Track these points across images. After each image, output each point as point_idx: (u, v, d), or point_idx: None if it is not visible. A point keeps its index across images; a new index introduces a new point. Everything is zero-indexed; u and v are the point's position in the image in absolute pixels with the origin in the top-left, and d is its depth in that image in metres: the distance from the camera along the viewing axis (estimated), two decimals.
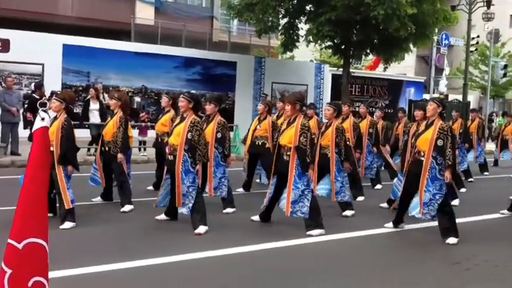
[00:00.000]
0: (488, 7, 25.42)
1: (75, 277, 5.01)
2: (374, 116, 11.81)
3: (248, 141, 9.75)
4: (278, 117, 10.21)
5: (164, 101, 9.46)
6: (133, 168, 8.85)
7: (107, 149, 8.09)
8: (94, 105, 14.02)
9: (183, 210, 6.85)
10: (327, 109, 8.33)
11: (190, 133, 6.77)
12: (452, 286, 5.28)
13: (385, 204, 8.85)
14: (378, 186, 10.83)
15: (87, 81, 18.47)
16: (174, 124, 7.18)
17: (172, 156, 6.89)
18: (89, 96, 14.41)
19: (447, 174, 6.70)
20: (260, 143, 9.48)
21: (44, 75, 17.57)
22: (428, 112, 6.97)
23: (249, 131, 9.91)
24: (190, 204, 6.77)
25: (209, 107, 8.18)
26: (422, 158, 6.82)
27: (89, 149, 13.85)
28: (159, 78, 19.86)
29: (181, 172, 6.74)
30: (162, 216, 7.35)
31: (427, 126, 6.93)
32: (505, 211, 8.82)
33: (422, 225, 7.43)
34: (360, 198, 9.56)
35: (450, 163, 6.68)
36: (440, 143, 6.72)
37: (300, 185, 6.82)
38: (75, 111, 15.91)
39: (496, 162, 15.77)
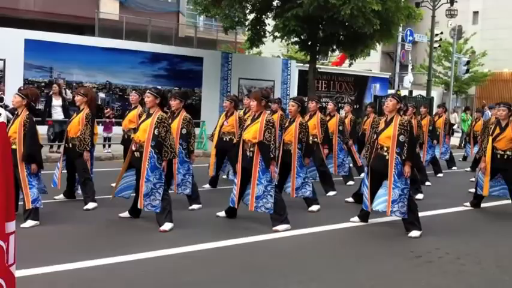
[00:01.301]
0: (452, 4, 25.88)
1: (38, 276, 4.91)
2: (343, 111, 11.87)
3: (215, 137, 9.71)
4: (245, 113, 10.18)
5: (133, 97, 9.33)
6: (97, 165, 8.73)
7: (70, 146, 7.94)
8: (56, 102, 13.76)
9: (148, 208, 6.78)
10: (291, 105, 8.33)
11: (157, 129, 6.70)
12: (415, 278, 5.35)
13: (350, 199, 8.93)
14: (350, 182, 10.87)
15: (50, 77, 18.10)
16: (141, 120, 7.09)
17: (139, 153, 6.80)
18: (51, 92, 14.14)
19: (406, 169, 6.78)
20: (227, 139, 9.46)
21: (5, 71, 17.15)
22: (387, 108, 7.03)
23: (216, 127, 9.87)
24: (157, 202, 6.70)
25: (174, 103, 8.09)
26: (385, 154, 6.89)
27: (51, 146, 13.60)
28: (124, 74, 19.59)
29: (147, 169, 6.67)
30: (126, 214, 7.26)
31: (388, 123, 6.99)
32: (468, 204, 9.00)
33: (386, 219, 7.52)
34: (331, 193, 9.61)
35: (405, 157, 6.76)
36: (402, 138, 6.80)
37: (263, 180, 6.83)
38: (37, 107, 15.67)
39: (465, 157, 16.09)
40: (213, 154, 9.75)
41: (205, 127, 15.93)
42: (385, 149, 6.90)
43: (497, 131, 8.36)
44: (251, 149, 6.90)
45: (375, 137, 7.11)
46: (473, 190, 9.26)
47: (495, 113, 9.12)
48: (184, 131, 8.01)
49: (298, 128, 8.10)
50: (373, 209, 7.13)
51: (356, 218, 7.49)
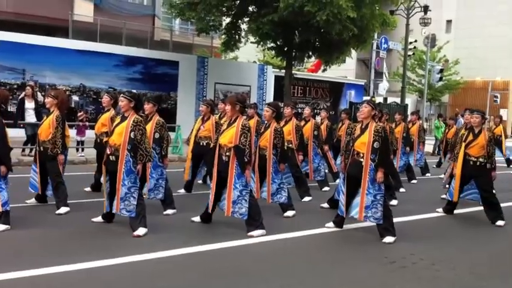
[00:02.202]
0: (425, 12, 26.25)
1: (8, 282, 4.78)
2: (319, 117, 11.89)
3: (191, 142, 9.64)
4: (220, 117, 10.13)
5: (105, 100, 9.19)
6: (71, 169, 8.58)
7: (42, 149, 7.79)
8: (29, 104, 13.53)
9: (123, 213, 6.67)
10: (266, 110, 8.31)
11: (133, 132, 6.62)
12: (389, 284, 5.36)
13: (326, 205, 8.93)
14: (326, 188, 10.85)
15: (22, 79, 17.81)
16: (115, 124, 6.98)
17: (114, 157, 6.70)
18: (23, 95, 13.89)
19: (378, 174, 6.81)
20: (204, 143, 9.39)
21: None
22: (362, 114, 7.06)
23: (192, 131, 9.79)
24: (132, 206, 6.61)
25: (147, 107, 8.01)
26: (361, 160, 6.91)
27: (23, 149, 13.36)
28: (98, 77, 19.38)
29: (122, 173, 6.58)
30: (99, 219, 7.13)
31: (363, 130, 7.02)
32: (441, 210, 9.08)
33: (361, 224, 7.53)
34: (307, 199, 9.60)
35: (377, 163, 6.80)
36: (376, 145, 6.84)
37: (238, 185, 6.79)
38: (9, 110, 15.40)
39: (439, 164, 16.28)
40: (188, 158, 9.67)
41: (181, 131, 15.83)
42: (361, 155, 6.92)
43: (470, 137, 8.44)
44: (227, 153, 6.86)
45: (351, 143, 7.12)
46: (445, 196, 9.36)
47: (468, 120, 9.21)
48: (157, 135, 7.94)
49: (273, 134, 8.07)
50: (349, 216, 7.15)
51: (331, 224, 7.49)
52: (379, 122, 10.02)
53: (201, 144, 9.45)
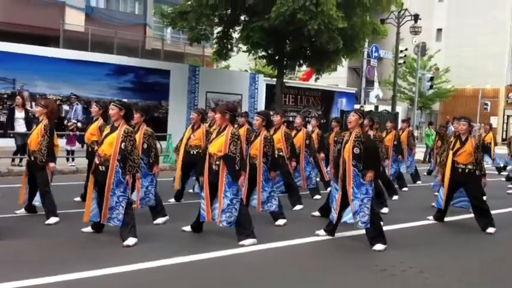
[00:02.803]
0: (416, 21, 26.43)
1: None
2: (309, 125, 11.90)
3: (181, 150, 9.61)
4: (210, 126, 10.12)
5: (94, 109, 9.16)
6: (60, 179, 8.55)
7: (32, 158, 7.76)
8: (19, 114, 13.45)
9: (111, 223, 6.64)
10: (256, 119, 8.33)
11: (123, 143, 6.61)
12: None
13: (317, 213, 8.92)
14: (317, 197, 10.83)
15: (13, 88, 17.75)
16: (105, 133, 6.94)
17: (104, 167, 6.67)
18: (14, 104, 13.83)
19: (368, 174, 6.87)
20: (194, 152, 9.37)
21: None
22: (350, 124, 7.12)
23: (182, 139, 9.77)
24: (121, 216, 6.58)
25: (135, 116, 7.99)
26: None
27: (13, 159, 13.27)
28: (89, 86, 19.32)
29: (112, 183, 6.56)
30: (88, 229, 7.09)
31: (348, 137, 7.07)
32: (431, 217, 9.11)
33: (351, 232, 7.54)
34: (298, 207, 9.59)
35: (364, 166, 6.89)
36: (356, 151, 6.90)
37: (229, 193, 6.78)
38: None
39: (429, 172, 16.33)
40: (179, 167, 9.63)
41: (172, 140, 15.79)
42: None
43: (458, 145, 8.49)
44: (217, 162, 6.85)
45: (342, 151, 7.14)
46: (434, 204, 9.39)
47: (456, 127, 9.28)
48: (145, 146, 7.96)
49: (263, 142, 8.09)
50: (341, 221, 7.16)
51: (322, 232, 7.48)
52: (370, 130, 10.09)
53: (192, 153, 9.42)
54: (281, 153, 9.62)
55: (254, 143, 8.22)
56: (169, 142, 15.97)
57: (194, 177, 9.59)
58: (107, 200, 6.58)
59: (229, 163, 6.76)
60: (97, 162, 6.77)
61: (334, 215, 7.25)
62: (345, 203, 7.09)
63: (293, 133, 10.68)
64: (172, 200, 9.66)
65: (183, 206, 9.35)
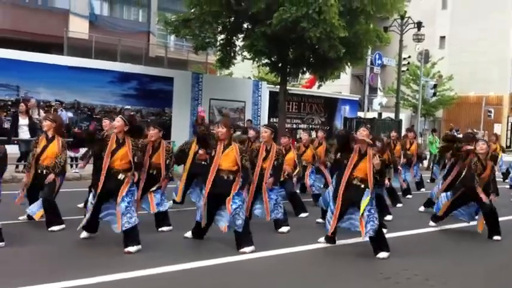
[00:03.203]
0: (419, 29, 26.44)
1: None
2: (316, 138, 12.01)
3: (188, 164, 9.57)
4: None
5: (105, 123, 9.20)
6: (64, 185, 8.55)
7: (44, 172, 7.78)
8: (23, 121, 13.50)
9: (126, 226, 6.59)
10: (264, 131, 8.42)
11: (136, 156, 6.80)
12: None
13: (321, 220, 8.88)
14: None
15: (17, 96, 17.78)
16: (113, 148, 6.79)
17: (122, 175, 6.72)
18: (18, 111, 13.88)
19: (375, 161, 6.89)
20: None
21: None
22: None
23: (185, 149, 9.74)
24: (133, 218, 6.62)
25: (153, 132, 8.00)
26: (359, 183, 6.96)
27: (17, 166, 13.30)
28: (92, 93, 19.34)
29: (125, 191, 6.66)
30: (85, 234, 7.09)
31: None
32: (432, 223, 9.10)
33: (355, 240, 7.51)
34: (303, 215, 9.58)
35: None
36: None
37: (237, 200, 6.83)
38: (4, 126, 15.35)
39: (432, 179, 16.33)
40: (183, 180, 9.62)
41: (176, 147, 15.78)
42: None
43: (480, 169, 8.44)
44: (229, 175, 6.92)
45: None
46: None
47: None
48: (168, 162, 8.08)
49: (276, 155, 8.25)
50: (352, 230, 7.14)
51: (323, 239, 7.45)
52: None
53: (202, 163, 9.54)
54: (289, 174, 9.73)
55: (268, 157, 8.25)
56: (172, 149, 15.95)
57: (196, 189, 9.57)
58: (118, 207, 6.59)
59: (246, 176, 6.93)
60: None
61: (328, 225, 7.21)
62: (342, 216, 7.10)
63: (301, 150, 10.82)
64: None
65: (185, 213, 9.32)
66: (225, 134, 6.99)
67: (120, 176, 6.71)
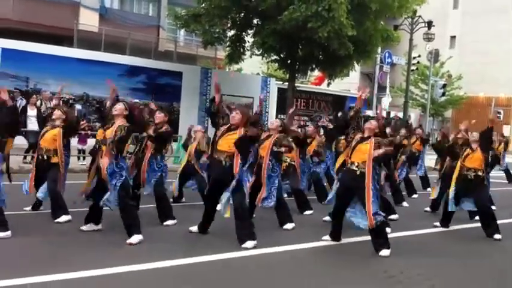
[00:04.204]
0: (429, 28, 26.30)
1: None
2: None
3: (184, 161, 9.71)
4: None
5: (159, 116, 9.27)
6: (71, 178, 8.61)
7: (45, 157, 7.82)
8: (31, 112, 13.57)
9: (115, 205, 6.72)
10: (276, 121, 8.65)
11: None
12: None
13: (328, 218, 8.85)
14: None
15: (26, 87, 17.89)
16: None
17: None
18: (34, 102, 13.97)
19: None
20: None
21: None
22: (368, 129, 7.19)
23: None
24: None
25: (159, 116, 8.19)
26: (355, 168, 6.92)
27: (25, 157, 13.38)
28: (101, 86, 19.31)
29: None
30: (86, 227, 7.14)
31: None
32: (437, 223, 9.07)
33: (357, 238, 7.52)
34: (308, 212, 9.58)
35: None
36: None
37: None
38: None
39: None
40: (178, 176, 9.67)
41: (183, 142, 15.81)
42: (356, 164, 6.95)
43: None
44: (226, 159, 6.86)
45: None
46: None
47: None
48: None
49: (272, 142, 8.15)
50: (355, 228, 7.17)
51: (327, 237, 7.45)
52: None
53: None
54: (293, 163, 9.67)
55: (263, 144, 8.19)
56: (179, 143, 15.99)
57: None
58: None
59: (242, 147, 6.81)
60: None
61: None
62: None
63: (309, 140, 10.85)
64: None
65: (188, 207, 9.36)
66: (239, 120, 6.93)
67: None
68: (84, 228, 7.12)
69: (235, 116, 6.96)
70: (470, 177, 8.47)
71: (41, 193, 7.85)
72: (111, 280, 5.31)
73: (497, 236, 8.31)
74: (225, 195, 6.86)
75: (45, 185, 7.78)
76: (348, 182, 7.07)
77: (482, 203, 8.52)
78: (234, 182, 6.80)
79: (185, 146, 10.27)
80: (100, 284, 5.20)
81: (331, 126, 11.05)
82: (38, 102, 14.27)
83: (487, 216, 8.50)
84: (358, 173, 6.90)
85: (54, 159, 7.80)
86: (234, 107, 7.71)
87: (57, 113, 8.01)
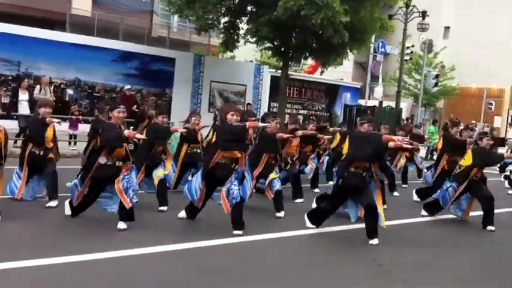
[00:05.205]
0: (423, 18, 26.31)
1: None
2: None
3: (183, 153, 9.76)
4: None
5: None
6: (62, 163, 8.60)
7: (41, 154, 7.92)
8: (23, 96, 13.49)
9: (134, 201, 6.69)
10: (275, 122, 8.71)
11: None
12: (374, 287, 5.39)
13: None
14: (317, 190, 10.89)
15: (17, 71, 17.77)
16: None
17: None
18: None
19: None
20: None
21: None
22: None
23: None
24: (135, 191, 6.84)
25: None
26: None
27: (15, 141, 13.30)
28: (94, 71, 19.32)
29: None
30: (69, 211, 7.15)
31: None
32: (424, 212, 9.13)
33: (347, 227, 7.57)
34: (299, 200, 9.63)
35: None
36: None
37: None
38: (3, 101, 15.37)
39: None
40: (177, 170, 9.65)
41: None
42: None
43: None
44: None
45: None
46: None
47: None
48: None
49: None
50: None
51: (309, 224, 7.48)
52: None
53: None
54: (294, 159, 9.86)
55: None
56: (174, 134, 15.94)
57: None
58: (119, 186, 6.66)
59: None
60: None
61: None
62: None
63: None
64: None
65: (180, 194, 9.35)
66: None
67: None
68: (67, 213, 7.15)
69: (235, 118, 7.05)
70: (476, 179, 8.59)
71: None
72: (99, 264, 5.33)
73: (490, 228, 8.38)
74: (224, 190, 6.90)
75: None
76: (355, 184, 7.09)
77: (489, 201, 8.51)
78: (239, 175, 7.04)
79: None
80: (87, 269, 5.21)
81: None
82: (37, 88, 14.16)
83: (491, 212, 8.53)
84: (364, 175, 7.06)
85: (50, 155, 7.95)
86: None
87: (46, 111, 8.02)
